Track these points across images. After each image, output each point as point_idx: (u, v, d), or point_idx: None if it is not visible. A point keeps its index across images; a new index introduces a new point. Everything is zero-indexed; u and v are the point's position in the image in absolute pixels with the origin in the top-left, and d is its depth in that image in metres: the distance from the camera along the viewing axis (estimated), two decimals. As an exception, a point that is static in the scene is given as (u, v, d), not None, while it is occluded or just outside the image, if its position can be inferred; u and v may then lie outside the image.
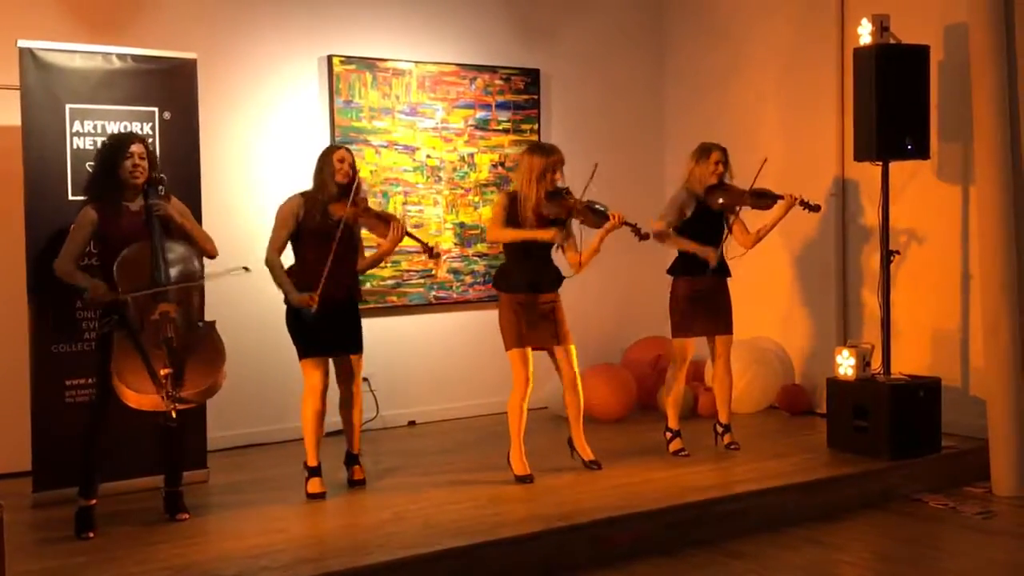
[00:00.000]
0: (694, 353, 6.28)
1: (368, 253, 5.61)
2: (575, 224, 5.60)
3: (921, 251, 6.77)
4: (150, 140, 5.49)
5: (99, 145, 5.15)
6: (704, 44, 8.17)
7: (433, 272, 7.29)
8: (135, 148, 4.91)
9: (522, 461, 5.62)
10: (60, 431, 5.28)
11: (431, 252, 5.40)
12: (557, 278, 5.68)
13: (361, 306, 5.60)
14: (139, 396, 4.64)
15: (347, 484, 5.56)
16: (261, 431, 6.66)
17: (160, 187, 5.06)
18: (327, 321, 5.32)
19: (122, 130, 5.51)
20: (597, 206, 5.51)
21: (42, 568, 4.36)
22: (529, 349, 5.57)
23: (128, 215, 4.92)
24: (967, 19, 5.98)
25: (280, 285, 5.37)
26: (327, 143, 6.79)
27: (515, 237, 5.52)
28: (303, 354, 5.38)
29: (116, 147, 4.93)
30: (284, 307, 5.41)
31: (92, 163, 5.13)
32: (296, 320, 5.36)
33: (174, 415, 4.67)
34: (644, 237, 5.54)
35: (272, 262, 5.38)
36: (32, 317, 5.34)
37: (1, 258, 5.79)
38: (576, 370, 5.71)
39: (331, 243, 5.24)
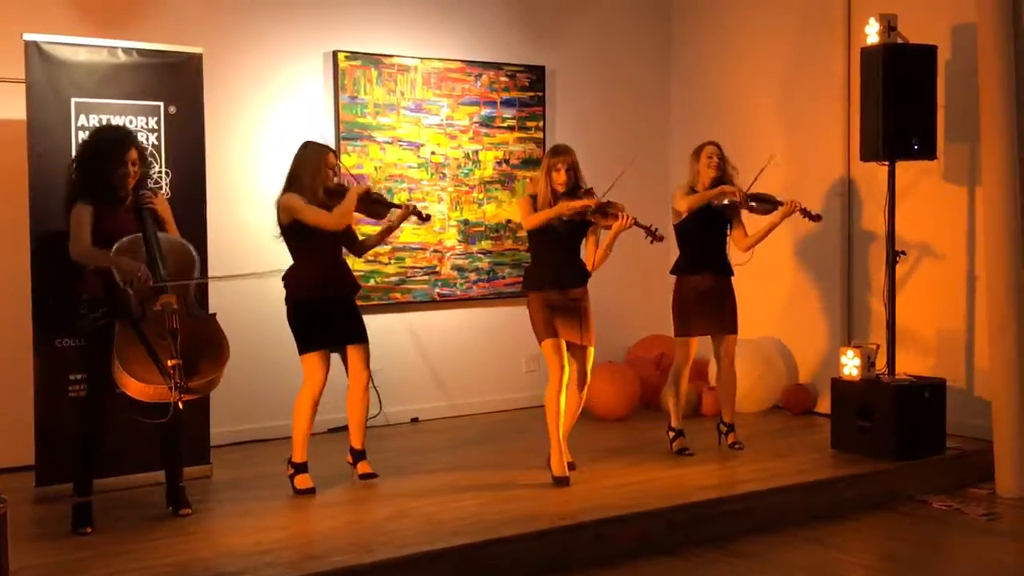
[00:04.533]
0: (697, 352, 6.27)
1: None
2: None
3: (927, 252, 6.75)
4: (155, 133, 5.46)
5: (88, 141, 5.01)
6: (710, 42, 8.15)
7: (438, 269, 7.29)
8: (130, 156, 4.84)
9: (561, 462, 5.50)
10: (63, 426, 5.26)
11: (422, 216, 5.48)
12: (583, 273, 5.62)
13: (363, 302, 5.63)
14: (144, 386, 4.60)
15: (357, 479, 5.55)
16: (265, 427, 6.65)
17: (149, 183, 5.11)
18: (326, 316, 5.39)
19: (128, 125, 5.48)
20: (609, 207, 5.45)
21: (44, 563, 4.35)
22: (563, 340, 5.49)
23: (121, 211, 4.88)
24: (975, 19, 5.96)
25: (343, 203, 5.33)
26: (332, 139, 6.78)
27: (547, 215, 5.41)
28: (303, 349, 5.38)
29: (109, 152, 4.83)
30: (285, 301, 5.42)
31: (77, 159, 4.98)
32: (297, 314, 5.39)
33: (181, 406, 4.65)
34: (659, 239, 5.44)
35: (317, 215, 5.31)
36: (35, 311, 5.33)
37: (5, 252, 5.78)
38: (589, 373, 5.65)
39: (329, 240, 5.36)
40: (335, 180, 5.44)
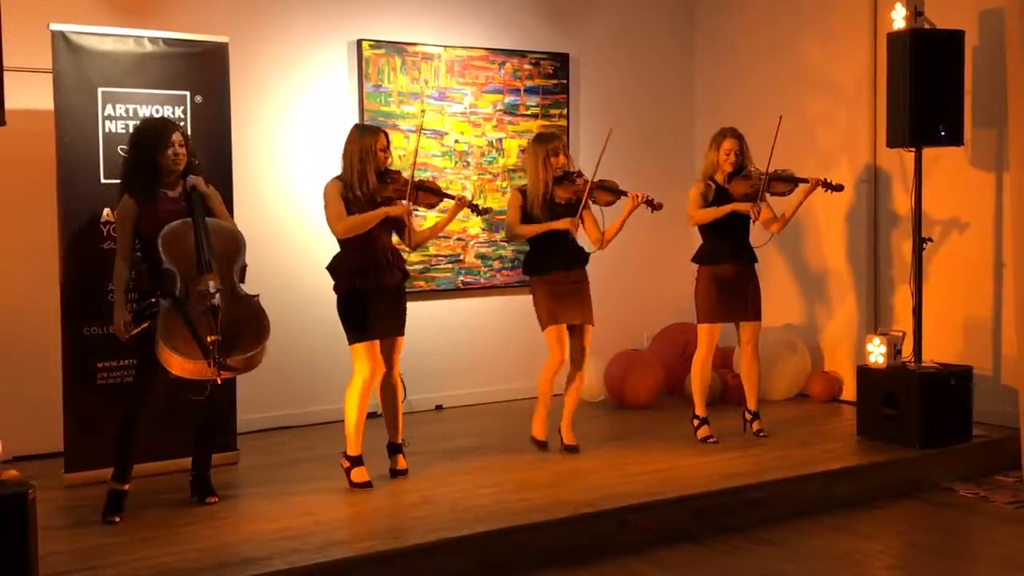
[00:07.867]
0: (720, 339, 6.25)
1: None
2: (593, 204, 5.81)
3: (954, 238, 6.71)
4: (182, 123, 5.51)
5: (133, 132, 5.05)
6: (735, 27, 8.11)
7: (462, 258, 7.31)
8: (176, 137, 4.87)
9: (541, 427, 5.96)
10: (91, 413, 5.33)
11: (477, 210, 5.40)
12: (583, 256, 5.88)
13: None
14: (184, 362, 4.61)
15: (389, 474, 5.47)
16: (291, 414, 6.69)
17: (197, 172, 5.05)
18: (379, 306, 5.25)
19: (153, 114, 5.53)
20: (607, 184, 5.73)
21: (73, 549, 4.39)
22: (564, 327, 5.78)
23: (167, 202, 4.89)
24: (1003, 4, 5.91)
25: (368, 221, 5.20)
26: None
27: (534, 231, 5.77)
28: (350, 339, 5.24)
29: (156, 136, 4.87)
30: (318, 291, 5.43)
31: (126, 150, 5.07)
32: (341, 304, 5.25)
33: (219, 381, 4.68)
34: (658, 207, 5.65)
35: (333, 213, 5.21)
36: (64, 300, 5.38)
37: (34, 241, 5.83)
38: (588, 350, 5.87)
39: (374, 229, 5.21)
40: (388, 163, 5.30)
